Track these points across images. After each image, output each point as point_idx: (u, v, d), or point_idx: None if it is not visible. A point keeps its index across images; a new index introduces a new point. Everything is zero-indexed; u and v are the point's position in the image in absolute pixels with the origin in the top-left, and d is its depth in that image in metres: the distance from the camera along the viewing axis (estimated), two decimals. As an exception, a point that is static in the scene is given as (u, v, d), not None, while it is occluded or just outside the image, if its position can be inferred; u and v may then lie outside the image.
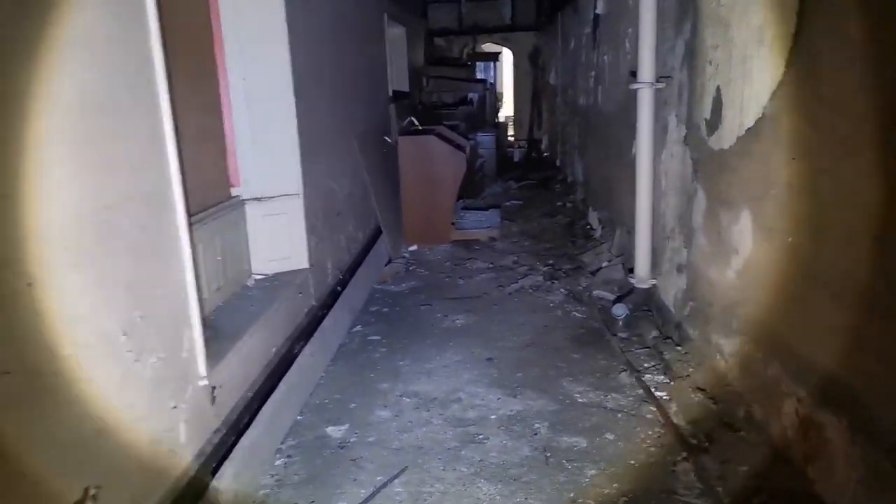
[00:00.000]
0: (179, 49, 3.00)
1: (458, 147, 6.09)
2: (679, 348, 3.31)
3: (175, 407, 2.27)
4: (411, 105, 8.82)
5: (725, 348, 2.79)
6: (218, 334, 2.86)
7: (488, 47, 13.30)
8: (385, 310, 4.49)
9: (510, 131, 13.97)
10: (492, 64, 12.46)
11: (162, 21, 2.23)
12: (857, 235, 1.86)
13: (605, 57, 5.67)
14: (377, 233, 5.56)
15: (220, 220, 3.32)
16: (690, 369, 3.05)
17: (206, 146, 3.29)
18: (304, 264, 3.87)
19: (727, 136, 2.75)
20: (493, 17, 12.45)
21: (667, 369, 3.23)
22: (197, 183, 3.17)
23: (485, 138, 9.03)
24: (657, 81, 3.72)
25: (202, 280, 3.04)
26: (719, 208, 2.88)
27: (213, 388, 2.60)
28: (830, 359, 1.98)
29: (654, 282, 3.91)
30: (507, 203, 7.83)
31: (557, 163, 9.87)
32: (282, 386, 2.94)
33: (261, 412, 2.79)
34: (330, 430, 2.95)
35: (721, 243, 2.86)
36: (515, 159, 11.40)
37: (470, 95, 9.67)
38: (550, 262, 5.32)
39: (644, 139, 3.80)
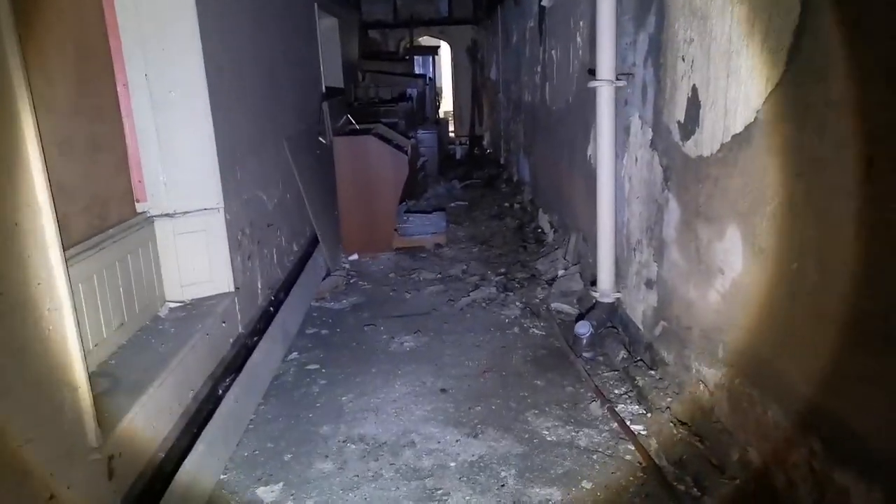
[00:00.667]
0: (55, 41, 2.46)
1: (399, 147, 5.67)
2: (652, 373, 3.02)
3: (52, 498, 1.78)
4: (346, 102, 8.32)
5: (709, 378, 2.50)
6: (117, 386, 2.36)
7: (426, 41, 12.89)
8: (324, 332, 4.04)
9: (451, 127, 13.62)
10: (430, 58, 12.05)
11: (18, 5, 1.72)
12: (879, 268, 1.57)
13: (554, 52, 5.37)
14: (314, 242, 5.09)
15: (122, 242, 2.80)
16: (668, 399, 2.75)
17: (99, 157, 2.75)
18: (229, 287, 3.38)
19: (707, 141, 2.45)
20: (430, 9, 12.04)
21: (641, 397, 2.93)
22: (88, 201, 2.65)
23: (426, 136, 8.64)
24: (618, 79, 3.41)
25: (99, 317, 2.53)
26: (697, 222, 2.59)
27: (111, 458, 2.11)
28: (854, 411, 1.69)
29: (618, 296, 3.62)
30: (453, 205, 7.46)
31: (501, 160, 9.58)
32: (200, 444, 2.46)
33: (175, 479, 2.31)
34: (261, 491, 2.50)
35: (701, 261, 2.56)
36: (458, 157, 11.05)
37: (409, 91, 9.24)
38: (502, 270, 4.98)
39: (605, 142, 3.49)
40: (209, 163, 3.24)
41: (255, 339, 3.52)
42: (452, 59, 13.05)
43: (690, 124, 2.61)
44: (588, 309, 3.78)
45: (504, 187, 8.16)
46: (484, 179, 8.80)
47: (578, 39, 4.46)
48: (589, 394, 3.08)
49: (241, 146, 3.70)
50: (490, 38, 10.51)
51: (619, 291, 3.63)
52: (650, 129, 3.09)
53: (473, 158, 10.87)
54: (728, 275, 2.34)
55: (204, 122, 3.18)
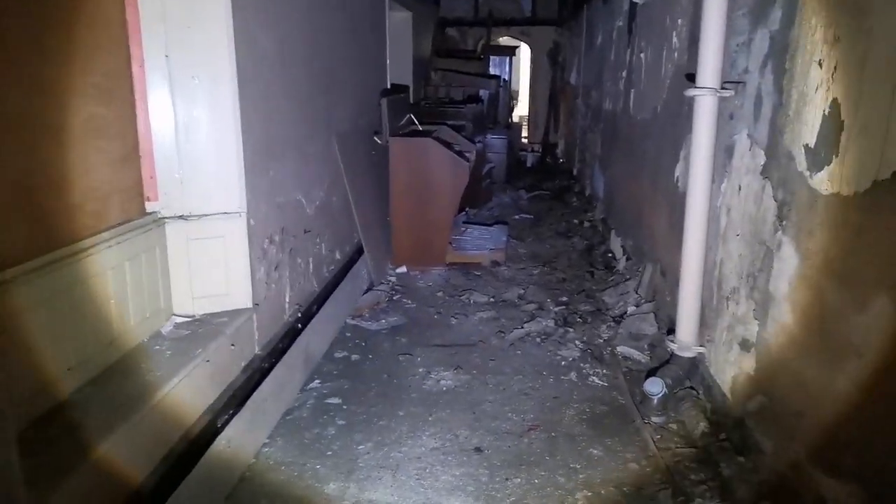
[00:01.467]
0: (52, 5, 2.10)
1: (461, 153, 5.17)
2: (742, 460, 2.39)
3: (-61, 591, 1.37)
4: (412, 101, 7.91)
5: (830, 495, 1.86)
6: (71, 433, 1.95)
7: (505, 41, 12.34)
8: (354, 357, 3.59)
9: (524, 133, 13.02)
10: (507, 59, 11.49)
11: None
12: None
13: (643, 55, 4.73)
14: (359, 251, 4.66)
15: (122, 246, 2.42)
16: (764, 504, 2.13)
17: (101, 144, 2.39)
18: (246, 303, 2.97)
19: (851, 176, 1.82)
20: (512, 8, 11.49)
21: (726, 492, 2.31)
22: (81, 197, 2.28)
23: (495, 141, 8.10)
24: (723, 87, 2.78)
25: (79, 334, 2.15)
26: (825, 281, 1.95)
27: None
28: None
29: (701, 350, 2.99)
30: (517, 217, 6.90)
31: (574, 171, 8.93)
32: (172, 504, 2.04)
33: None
34: (241, 566, 2.05)
35: (827, 333, 1.93)
36: (528, 164, 10.46)
37: (481, 92, 8.73)
38: (564, 299, 4.39)
39: (700, 163, 2.87)
40: (233, 161, 2.84)
41: (274, 361, 3.11)
42: (532, 62, 12.45)
43: (825, 151, 1.97)
44: (662, 362, 3.16)
45: (574, 201, 7.52)
46: (553, 191, 8.18)
47: (675, 40, 3.82)
48: (657, 476, 2.48)
49: (279, 142, 3.30)
50: (573, 39, 9.86)
51: (702, 345, 2.99)
52: (762, 153, 2.46)
53: (545, 167, 10.25)
54: (869, 361, 1.71)
55: (230, 115, 2.78)
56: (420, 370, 3.40)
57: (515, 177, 9.21)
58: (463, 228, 5.87)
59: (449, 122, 6.66)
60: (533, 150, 10.95)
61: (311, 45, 3.76)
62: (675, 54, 3.80)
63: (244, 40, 2.83)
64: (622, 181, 5.43)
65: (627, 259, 4.80)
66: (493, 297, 4.48)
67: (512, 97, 11.18)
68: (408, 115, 5.91)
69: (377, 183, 5.04)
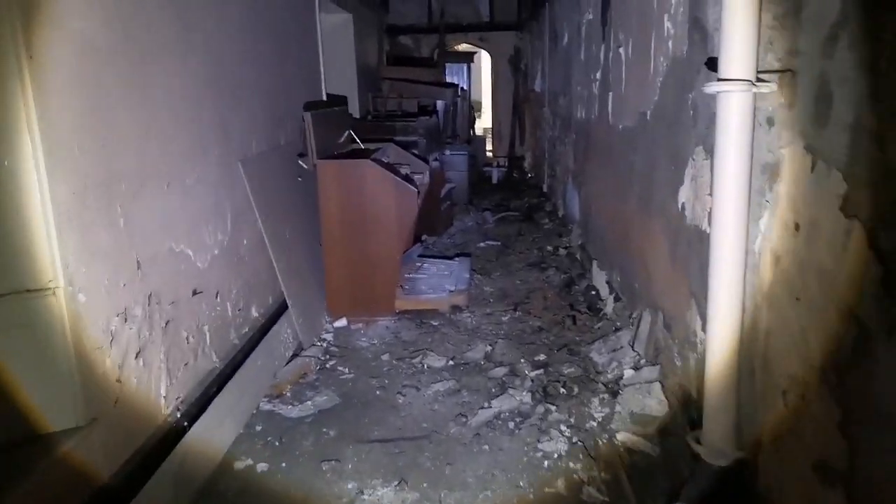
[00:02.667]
0: None
1: (408, 178, 4.25)
2: None
3: None
4: (360, 115, 6.99)
5: None
6: None
7: (464, 49, 11.53)
8: (261, 467, 2.61)
9: (488, 146, 12.20)
10: (465, 66, 10.65)
11: None
12: None
13: (622, 49, 3.88)
14: (283, 306, 3.69)
15: None
16: None
17: None
18: (72, 421, 1.99)
19: None
20: (469, 12, 10.69)
21: None
22: None
23: (455, 158, 7.22)
24: (759, 80, 1.91)
25: None
26: None
27: None
28: None
29: (740, 455, 2.09)
30: (482, 244, 5.99)
31: (544, 188, 8.08)
32: None
33: None
34: None
35: None
36: (494, 181, 9.59)
37: (438, 104, 7.84)
38: (541, 357, 3.49)
39: (729, 189, 1.99)
40: (33, 211, 1.87)
41: (132, 492, 2.13)
42: (493, 70, 11.66)
43: None
44: (690, 473, 2.25)
45: (546, 223, 6.65)
46: (522, 211, 7.31)
47: (667, 25, 2.96)
48: None
49: (133, 173, 2.34)
50: (534, 42, 9.07)
51: (742, 450, 2.10)
52: (839, 175, 1.58)
53: (512, 183, 9.39)
54: None
55: (21, 137, 1.82)
56: (349, 487, 2.44)
57: (480, 195, 8.33)
58: (418, 264, 4.94)
59: (398, 139, 5.77)
60: (498, 165, 10.10)
61: (183, 32, 2.81)
62: (670, 44, 2.95)
63: (51, 27, 1.87)
64: (602, 201, 4.57)
65: (616, 299, 3.91)
66: (452, 357, 3.55)
67: (473, 108, 10.33)
68: (346, 132, 4.97)
69: (305, 217, 4.08)
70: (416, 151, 5.79)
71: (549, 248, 5.67)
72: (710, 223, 2.12)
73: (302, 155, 4.03)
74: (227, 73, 3.24)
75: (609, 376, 3.16)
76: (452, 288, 4.40)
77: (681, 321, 2.77)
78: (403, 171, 4.66)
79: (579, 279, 4.70)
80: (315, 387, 3.27)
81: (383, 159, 4.63)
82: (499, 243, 6.01)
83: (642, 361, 3.14)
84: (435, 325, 4.05)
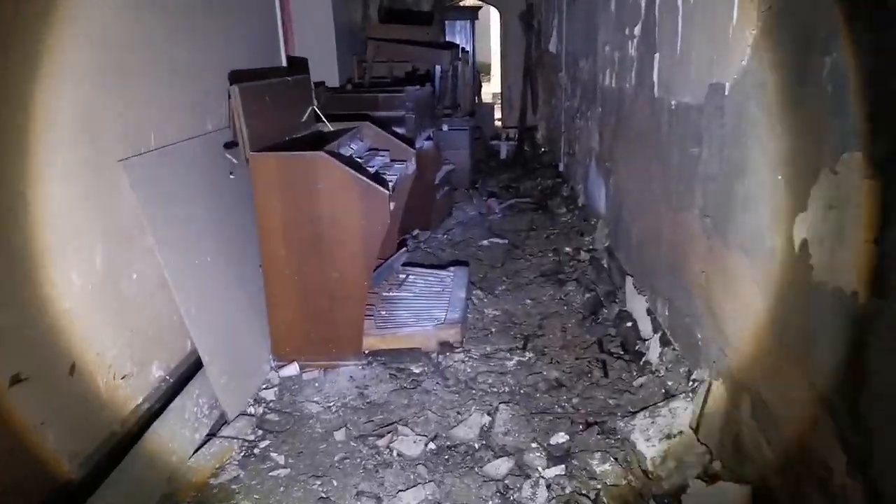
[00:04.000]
0: None
1: (377, 177, 3.14)
2: None
3: None
4: (340, 84, 5.85)
5: None
6: None
7: (468, 2, 10.22)
8: None
9: (497, 114, 10.98)
10: (468, 24, 9.36)
11: None
12: None
13: (678, -8, 2.73)
14: (194, 367, 2.65)
15: None
16: None
17: None
18: None
19: None
20: (475, -38, 9.36)
21: None
22: None
23: (454, 134, 6.07)
24: None
25: None
26: None
27: None
28: None
29: None
30: (485, 243, 4.91)
31: (560, 167, 6.93)
32: None
33: None
34: None
35: None
36: (503, 156, 8.43)
37: (438, 68, 6.64)
38: (561, 439, 2.44)
39: None
40: None
41: None
42: (502, 28, 10.37)
43: None
44: None
45: (564, 213, 5.53)
46: (535, 196, 6.19)
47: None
48: None
49: None
50: (551, -4, 7.79)
51: None
52: None
53: (523, 159, 8.22)
54: None
55: None
56: None
57: (486, 175, 7.21)
58: (401, 276, 3.87)
59: (380, 115, 4.65)
60: (508, 138, 8.92)
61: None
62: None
63: None
64: (640, 200, 3.46)
65: (663, 341, 2.84)
66: (434, 437, 2.51)
67: (478, 72, 9.10)
68: (308, 109, 3.86)
69: (244, 229, 3.02)
70: (402, 130, 4.67)
71: (568, 249, 4.57)
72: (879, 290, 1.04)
73: (230, 145, 2.94)
74: (92, 43, 2.15)
75: (664, 484, 2.12)
76: (442, 316, 3.34)
77: (784, 408, 1.72)
78: (378, 159, 3.57)
79: (608, 300, 3.61)
80: (231, 491, 2.25)
81: (351, 146, 3.54)
82: (506, 241, 4.91)
83: (715, 464, 2.09)
84: (416, 373, 3.00)
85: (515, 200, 5.98)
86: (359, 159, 3.42)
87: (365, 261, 2.96)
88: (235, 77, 3.10)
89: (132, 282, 2.37)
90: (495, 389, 2.83)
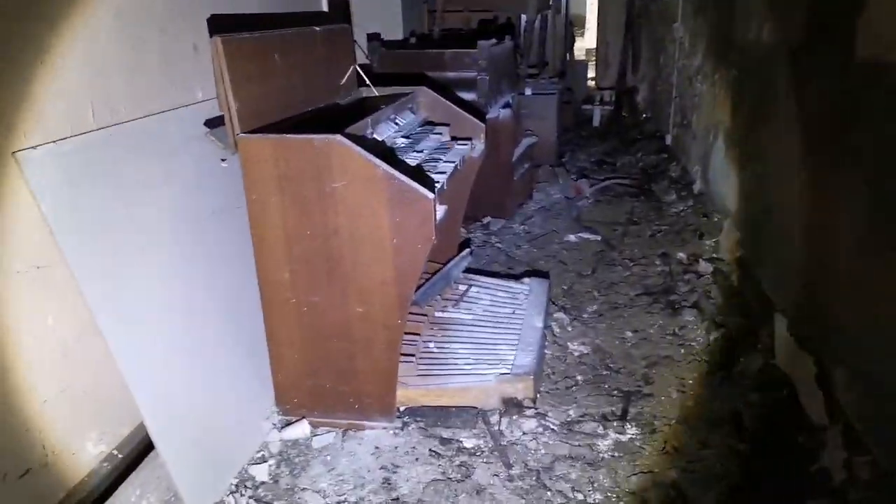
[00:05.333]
0: None
1: (417, 173, 2.21)
2: None
3: None
4: (404, 37, 4.91)
5: None
6: None
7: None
8: None
9: (591, 73, 9.68)
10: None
11: None
12: None
13: None
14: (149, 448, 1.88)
15: None
16: None
17: None
18: None
19: None
20: None
21: None
22: None
23: (539, 100, 5.01)
24: None
25: None
26: None
27: None
28: None
29: None
30: (572, 238, 3.92)
31: (668, 139, 5.73)
32: None
33: None
34: None
35: None
36: (596, 122, 7.26)
37: (523, 19, 5.55)
38: None
39: None
40: None
41: None
42: (601, -27, 9.00)
43: None
44: None
45: (674, 200, 4.42)
46: (635, 176, 5.08)
47: None
48: None
49: None
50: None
51: None
52: None
53: (620, 127, 7.03)
54: None
55: None
56: None
57: (576, 146, 6.13)
58: (461, 287, 2.99)
59: (446, 76, 3.74)
60: (603, 102, 7.70)
61: None
62: None
63: None
64: (814, 212, 2.36)
65: (850, 441, 1.81)
66: (483, 584, 1.64)
67: (572, 24, 7.87)
68: (349, 69, 2.98)
69: (243, 234, 2.20)
70: (473, 95, 3.73)
71: (682, 256, 3.51)
72: None
73: (214, 122, 2.10)
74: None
75: None
76: (510, 357, 2.44)
77: None
78: (432, 139, 2.66)
79: (745, 343, 2.57)
80: None
81: (397, 121, 2.64)
82: (598, 238, 3.90)
83: None
84: (468, 449, 2.13)
85: (611, 181, 4.90)
86: (404, 140, 2.52)
87: (399, 291, 2.08)
88: (220, 25, 2.22)
89: (47, 328, 1.61)
90: (581, 496, 1.91)
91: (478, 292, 3.01)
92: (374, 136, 2.36)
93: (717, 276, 3.16)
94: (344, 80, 2.95)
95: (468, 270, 3.19)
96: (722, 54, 3.81)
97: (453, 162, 2.48)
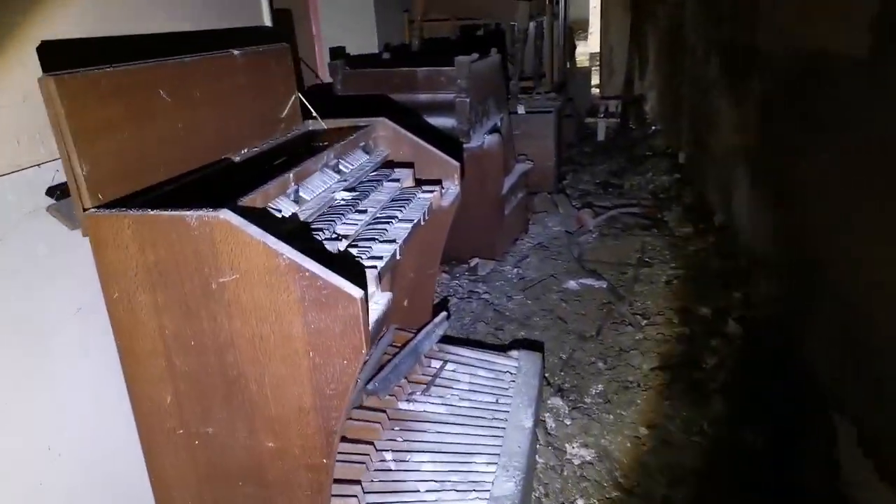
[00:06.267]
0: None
1: (344, 266, 1.63)
2: None
3: None
4: (380, 50, 4.38)
5: None
6: None
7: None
8: None
9: (595, 81, 9.09)
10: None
11: None
12: None
13: None
14: None
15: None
16: None
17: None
18: None
19: None
20: None
21: None
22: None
23: (534, 119, 4.41)
24: None
25: None
26: None
27: None
28: None
29: None
30: (572, 284, 3.33)
31: (681, 157, 5.14)
32: None
33: None
34: None
35: None
36: (600, 137, 6.67)
37: (518, 27, 4.96)
38: None
39: None
40: None
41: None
42: (603, -26, 8.41)
43: None
44: None
45: (690, 234, 3.82)
46: (645, 204, 4.48)
47: None
48: None
49: None
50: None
51: None
52: None
53: (627, 141, 6.43)
54: None
55: None
56: None
57: (580, 166, 5.54)
58: (434, 364, 2.41)
59: (422, 99, 3.19)
60: (608, 113, 7.11)
61: None
62: None
63: None
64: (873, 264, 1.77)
65: None
66: None
67: (571, 30, 7.28)
68: (291, 98, 2.42)
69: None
70: (452, 122, 3.16)
71: (705, 312, 2.90)
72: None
73: (57, 192, 1.52)
74: None
75: None
76: (487, 487, 1.85)
77: None
78: (384, 190, 2.09)
79: (795, 453, 1.97)
80: None
81: (341, 165, 2.08)
82: (604, 285, 3.30)
83: None
84: None
85: (618, 210, 4.30)
86: (345, 195, 1.94)
87: (322, 421, 1.49)
88: (62, 55, 1.62)
89: None
90: None
91: (454, 371, 2.43)
92: (301, 194, 1.78)
93: (747, 344, 2.56)
94: (284, 113, 2.39)
95: (444, 339, 2.61)
96: (743, 69, 3.20)
97: (411, 220, 1.90)
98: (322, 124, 2.48)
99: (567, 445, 2.15)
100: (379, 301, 1.56)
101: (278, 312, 1.39)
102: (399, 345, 2.48)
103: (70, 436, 1.53)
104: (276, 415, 1.48)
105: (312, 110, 2.48)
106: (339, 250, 1.59)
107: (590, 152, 6.10)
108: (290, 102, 2.40)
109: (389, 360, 2.35)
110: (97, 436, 1.58)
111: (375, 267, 1.56)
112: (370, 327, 1.44)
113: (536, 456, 2.07)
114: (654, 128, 6.59)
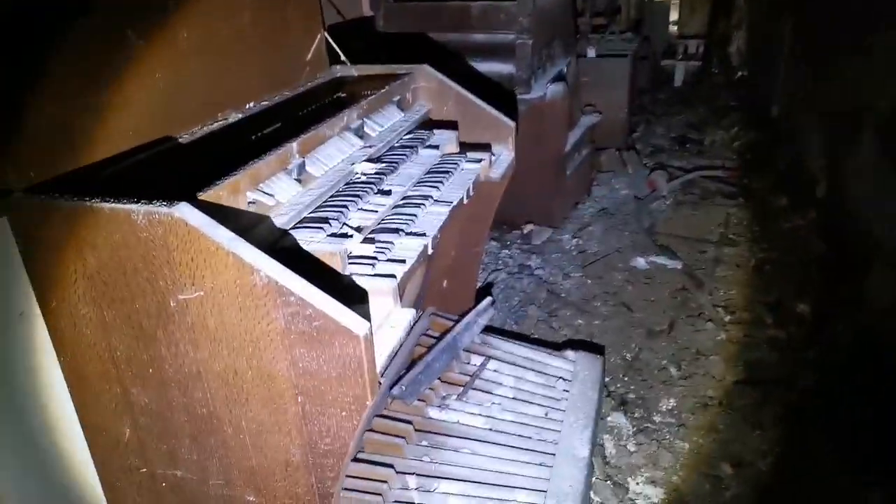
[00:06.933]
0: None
1: (345, 291, 1.23)
2: None
3: None
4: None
5: None
6: None
7: None
8: None
9: (672, 17, 8.19)
10: None
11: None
12: None
13: None
14: None
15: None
16: None
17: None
18: None
19: None
20: None
21: None
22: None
23: (605, 64, 3.83)
24: None
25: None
26: None
27: None
28: None
29: None
30: (639, 263, 2.86)
31: (773, 109, 4.46)
32: None
33: None
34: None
35: None
36: (678, 82, 5.97)
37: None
38: None
39: None
40: None
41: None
42: None
43: None
44: None
45: (784, 207, 3.25)
46: (729, 167, 3.89)
47: None
48: None
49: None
50: None
51: None
52: None
53: (708, 90, 5.72)
54: None
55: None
56: None
57: (651, 115, 4.93)
58: (473, 362, 2.04)
59: (474, 40, 2.71)
60: (687, 55, 6.34)
61: None
62: None
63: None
64: None
65: None
66: None
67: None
68: (317, 37, 2.01)
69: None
70: (509, 67, 2.69)
71: (805, 310, 2.41)
72: None
73: None
74: None
75: None
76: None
77: None
78: (417, 158, 1.68)
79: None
80: None
81: (367, 127, 1.68)
82: (678, 265, 2.83)
83: None
84: None
85: (697, 174, 3.75)
86: (368, 167, 1.53)
87: (316, 480, 1.15)
88: None
89: None
90: None
91: (497, 371, 2.05)
92: (308, 169, 1.39)
93: (863, 360, 2.07)
94: (309, 56, 1.99)
95: (488, 329, 2.22)
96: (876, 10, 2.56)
97: (449, 203, 1.51)
98: (352, 71, 2.06)
99: (630, 480, 1.77)
100: (397, 323, 1.19)
101: (256, 344, 1.03)
102: (436, 334, 2.11)
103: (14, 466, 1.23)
104: (257, 466, 1.15)
105: (341, 54, 2.07)
106: (348, 252, 1.20)
107: (665, 100, 5.44)
108: (314, 45, 1.99)
109: (422, 356, 1.99)
110: (50, 468, 1.29)
111: (394, 276, 1.17)
112: (384, 361, 1.08)
113: (591, 492, 1.70)
114: (740, 74, 5.82)
